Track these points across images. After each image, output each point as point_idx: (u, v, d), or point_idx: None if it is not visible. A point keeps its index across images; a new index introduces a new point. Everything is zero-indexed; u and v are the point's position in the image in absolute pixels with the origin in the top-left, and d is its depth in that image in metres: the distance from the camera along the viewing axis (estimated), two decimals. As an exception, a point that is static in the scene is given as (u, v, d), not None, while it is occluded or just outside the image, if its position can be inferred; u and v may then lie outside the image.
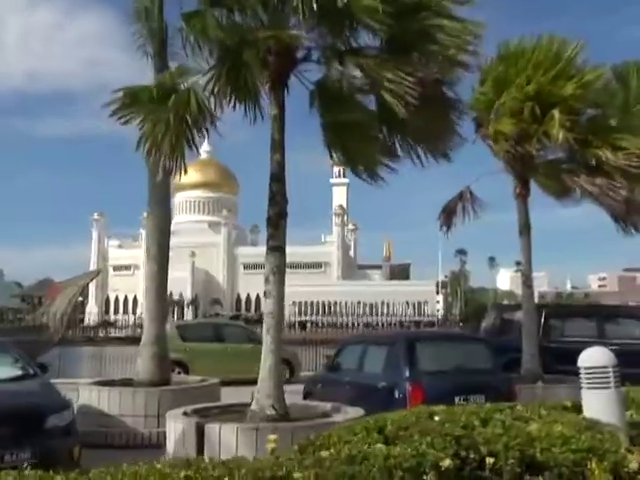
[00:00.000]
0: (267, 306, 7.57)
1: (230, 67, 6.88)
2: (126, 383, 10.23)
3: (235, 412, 7.73)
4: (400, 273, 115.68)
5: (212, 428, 6.63)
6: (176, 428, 7.06)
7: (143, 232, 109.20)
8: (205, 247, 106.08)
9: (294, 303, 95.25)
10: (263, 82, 7.39)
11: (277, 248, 7.63)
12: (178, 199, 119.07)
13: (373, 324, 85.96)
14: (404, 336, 9.81)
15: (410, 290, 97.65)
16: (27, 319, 56.96)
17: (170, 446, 7.15)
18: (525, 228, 11.52)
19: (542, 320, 13.08)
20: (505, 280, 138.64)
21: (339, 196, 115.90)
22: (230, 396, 10.03)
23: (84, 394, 9.81)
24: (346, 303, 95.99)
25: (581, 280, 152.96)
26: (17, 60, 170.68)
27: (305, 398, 10.69)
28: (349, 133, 8.02)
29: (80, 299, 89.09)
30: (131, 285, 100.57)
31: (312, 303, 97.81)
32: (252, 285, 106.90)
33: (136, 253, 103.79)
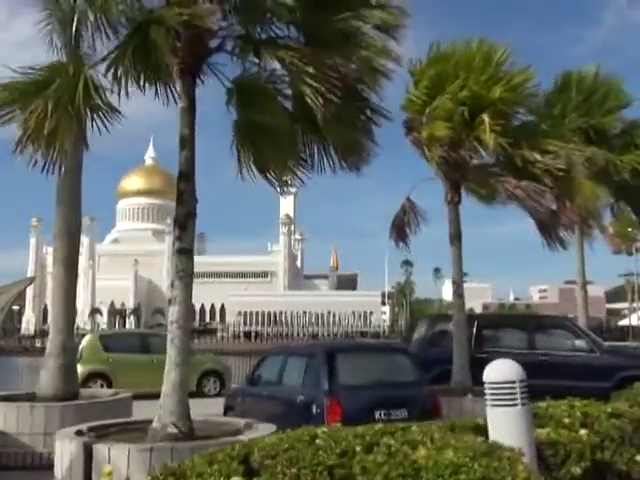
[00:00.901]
0: (172, 314, 6.97)
1: (135, 46, 6.22)
2: (31, 398, 9.42)
3: (137, 430, 7.10)
4: (347, 283, 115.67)
5: (101, 449, 5.98)
6: (64, 449, 6.37)
7: (84, 238, 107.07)
8: (149, 255, 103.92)
9: (240, 313, 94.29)
10: (171, 68, 6.80)
11: (184, 251, 7.07)
12: (121, 206, 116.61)
13: (319, 334, 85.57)
14: (323, 347, 9.30)
15: (356, 300, 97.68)
16: (-44, 329, 54.30)
17: (58, 470, 6.45)
18: (456, 236, 11.22)
19: (474, 330, 12.82)
20: (450, 291, 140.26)
21: (286, 205, 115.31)
22: (147, 410, 9.35)
23: (-22, 410, 8.96)
24: (292, 313, 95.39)
25: (524, 292, 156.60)
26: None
27: (225, 413, 10.12)
28: (264, 136, 7.46)
29: (16, 307, 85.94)
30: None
31: (258, 313, 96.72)
32: (197, 294, 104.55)
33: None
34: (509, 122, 10.54)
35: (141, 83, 6.45)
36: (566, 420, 4.95)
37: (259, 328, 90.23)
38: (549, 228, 11.90)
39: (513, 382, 3.71)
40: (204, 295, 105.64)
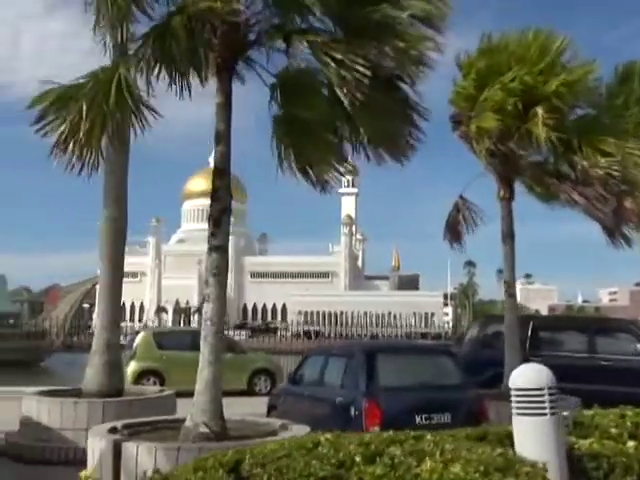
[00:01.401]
0: (206, 312, 6.85)
1: (156, 35, 6.12)
2: (77, 393, 9.53)
3: (173, 428, 7.02)
4: (409, 284, 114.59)
5: (129, 447, 5.92)
6: (95, 446, 6.34)
7: (150, 239, 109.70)
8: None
9: (300, 312, 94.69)
10: (201, 61, 6.68)
11: (219, 248, 6.94)
12: (186, 207, 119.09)
13: (379, 335, 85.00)
14: (363, 347, 9.02)
15: (417, 301, 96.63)
16: (28, 325, 56.64)
17: (89, 467, 6.42)
18: (508, 234, 10.72)
19: (529, 332, 12.28)
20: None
21: (348, 206, 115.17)
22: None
23: (26, 405, 9.13)
24: (353, 313, 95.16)
25: (593, 294, 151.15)
26: (33, 68, 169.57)
27: (269, 412, 9.98)
28: (305, 133, 7.25)
29: (87, 305, 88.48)
30: (137, 292, 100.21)
31: (319, 313, 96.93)
32: (259, 294, 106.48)
33: (143, 260, 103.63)
34: (564, 117, 9.94)
35: (162, 73, 6.30)
36: (613, 430, 4.58)
37: (319, 328, 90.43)
38: (612, 228, 11.27)
39: (541, 389, 3.37)
40: (266, 295, 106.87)
